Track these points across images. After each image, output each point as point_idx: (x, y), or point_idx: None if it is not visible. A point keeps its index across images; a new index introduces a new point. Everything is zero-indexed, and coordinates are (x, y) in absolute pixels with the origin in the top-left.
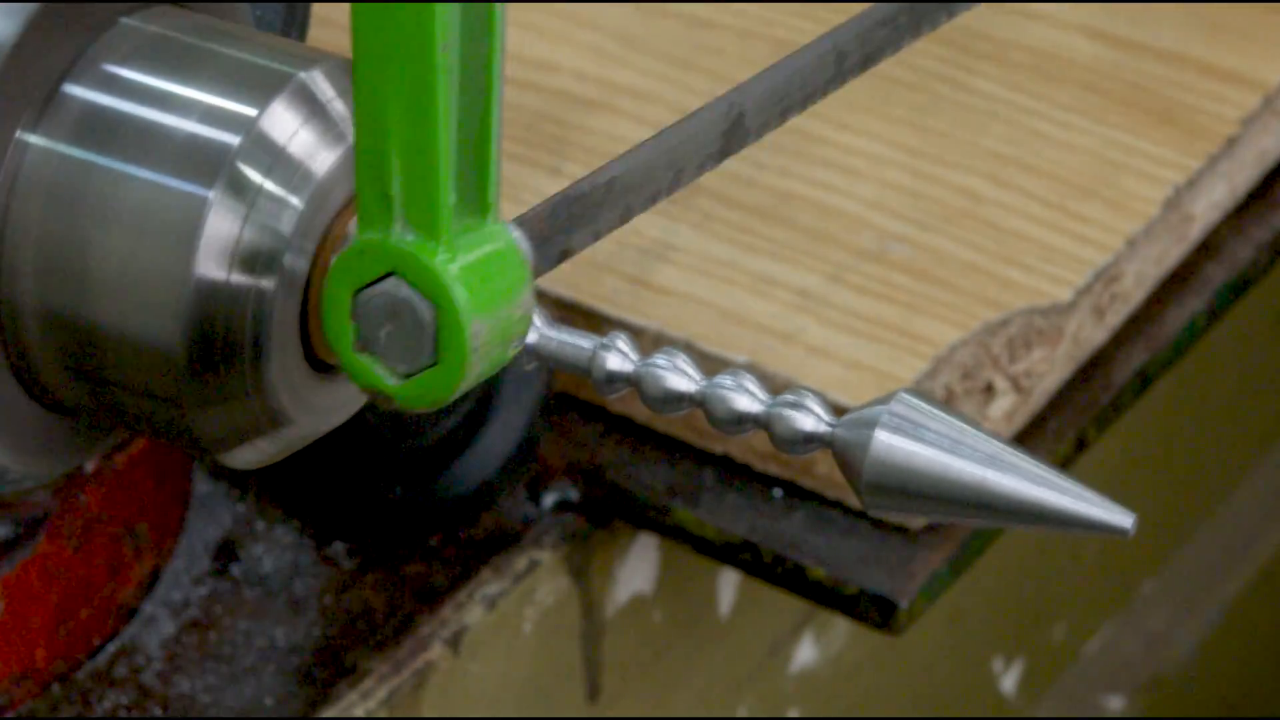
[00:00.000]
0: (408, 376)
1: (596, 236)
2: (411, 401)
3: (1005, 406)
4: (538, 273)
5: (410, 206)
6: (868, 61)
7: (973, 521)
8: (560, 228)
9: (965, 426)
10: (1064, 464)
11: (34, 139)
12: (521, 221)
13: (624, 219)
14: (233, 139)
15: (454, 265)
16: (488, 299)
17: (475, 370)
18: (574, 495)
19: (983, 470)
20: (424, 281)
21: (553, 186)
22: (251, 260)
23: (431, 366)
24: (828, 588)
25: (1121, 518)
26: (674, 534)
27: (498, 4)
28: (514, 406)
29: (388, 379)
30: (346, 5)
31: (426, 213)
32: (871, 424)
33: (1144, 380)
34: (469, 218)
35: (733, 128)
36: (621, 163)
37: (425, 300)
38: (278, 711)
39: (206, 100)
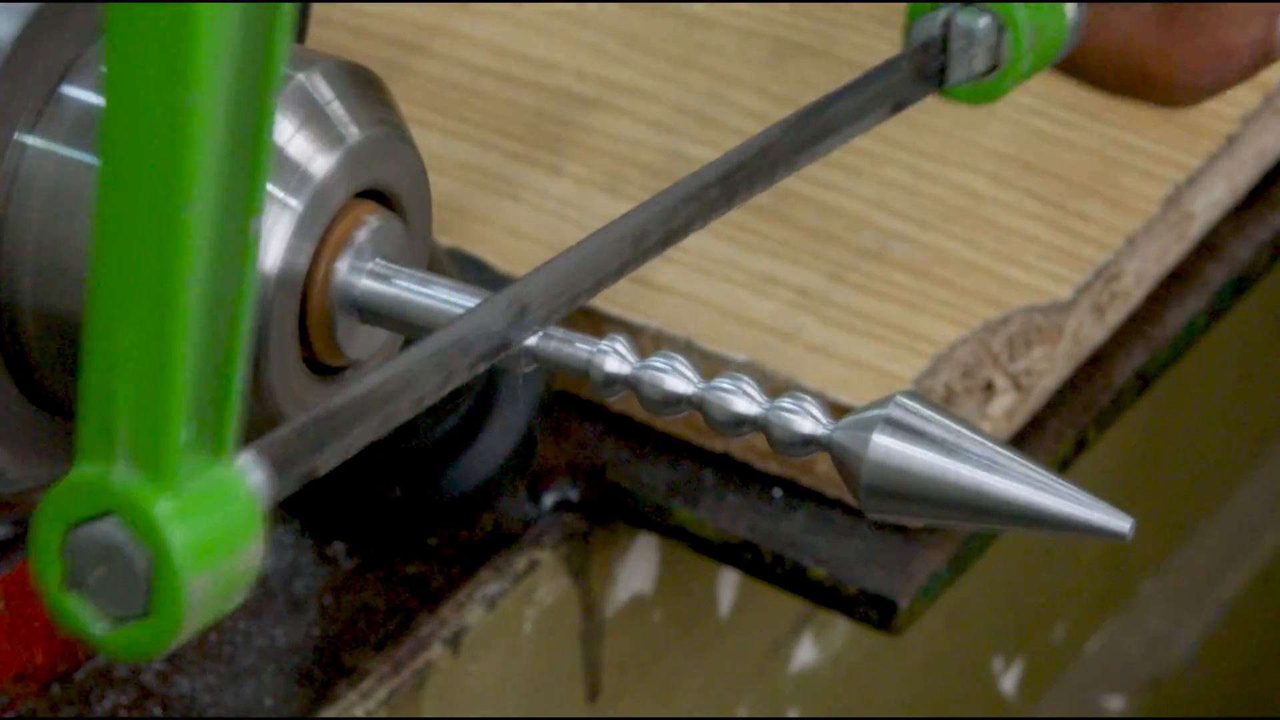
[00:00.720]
0: (118, 623)
1: (349, 452)
2: (118, 652)
3: (1005, 405)
4: (278, 498)
5: (135, 443)
6: (669, 239)
7: (971, 525)
8: (308, 448)
9: (963, 429)
10: (1064, 463)
11: (32, 140)
12: (264, 447)
13: (383, 429)
14: None
15: (177, 515)
16: (211, 552)
17: (192, 625)
18: (574, 495)
19: (981, 474)
20: (141, 528)
21: (553, 185)
22: None
23: (144, 617)
24: (827, 588)
25: (1119, 522)
26: (674, 534)
27: (251, 232)
28: (514, 406)
29: (94, 624)
30: (346, 5)
31: (152, 453)
32: (869, 427)
33: (1144, 380)
34: (201, 457)
35: (515, 322)
36: (382, 373)
37: (142, 547)
38: (278, 711)
39: None
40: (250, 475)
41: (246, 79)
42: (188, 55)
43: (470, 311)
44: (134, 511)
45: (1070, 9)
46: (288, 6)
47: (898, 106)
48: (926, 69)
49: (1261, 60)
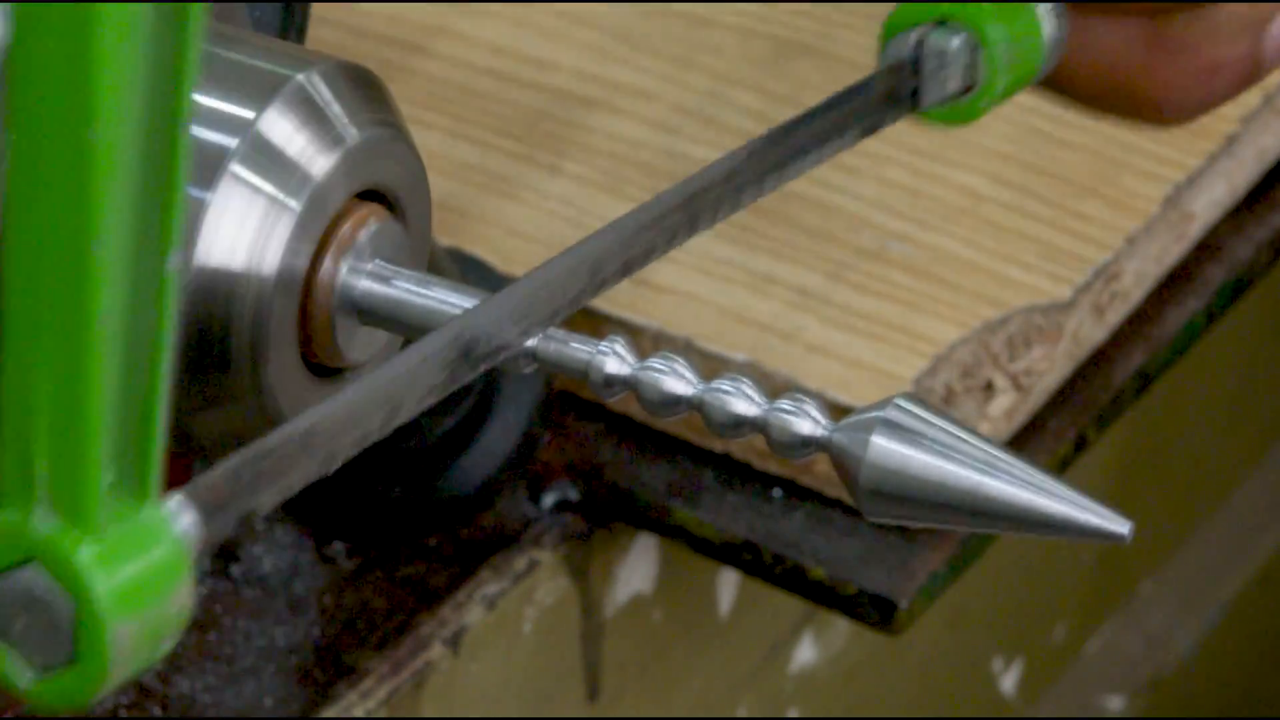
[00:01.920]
0: (44, 672)
1: (289, 492)
2: (46, 702)
3: (1005, 405)
4: (214, 541)
5: (56, 488)
6: (628, 268)
7: (970, 527)
8: (242, 490)
9: (962, 432)
10: (1063, 463)
11: None
12: (194, 490)
13: (326, 468)
14: (230, 141)
15: (99, 561)
16: (137, 598)
17: (120, 673)
18: (574, 495)
19: (979, 476)
20: (63, 575)
21: (552, 185)
22: (248, 263)
23: (69, 665)
24: (827, 588)
25: (1118, 525)
26: (674, 534)
27: (169, 267)
28: (514, 406)
29: (20, 675)
30: (346, 5)
31: (73, 497)
32: (868, 428)
33: (1144, 380)
34: (125, 500)
35: (461, 357)
36: (323, 409)
37: (65, 594)
38: (277, 711)
39: (203, 102)
40: (178, 518)
41: (157, 107)
42: (91, 86)
43: (412, 348)
44: (55, 558)
45: (1048, 28)
46: (196, 30)
47: (869, 130)
48: (899, 91)
49: (1249, 77)
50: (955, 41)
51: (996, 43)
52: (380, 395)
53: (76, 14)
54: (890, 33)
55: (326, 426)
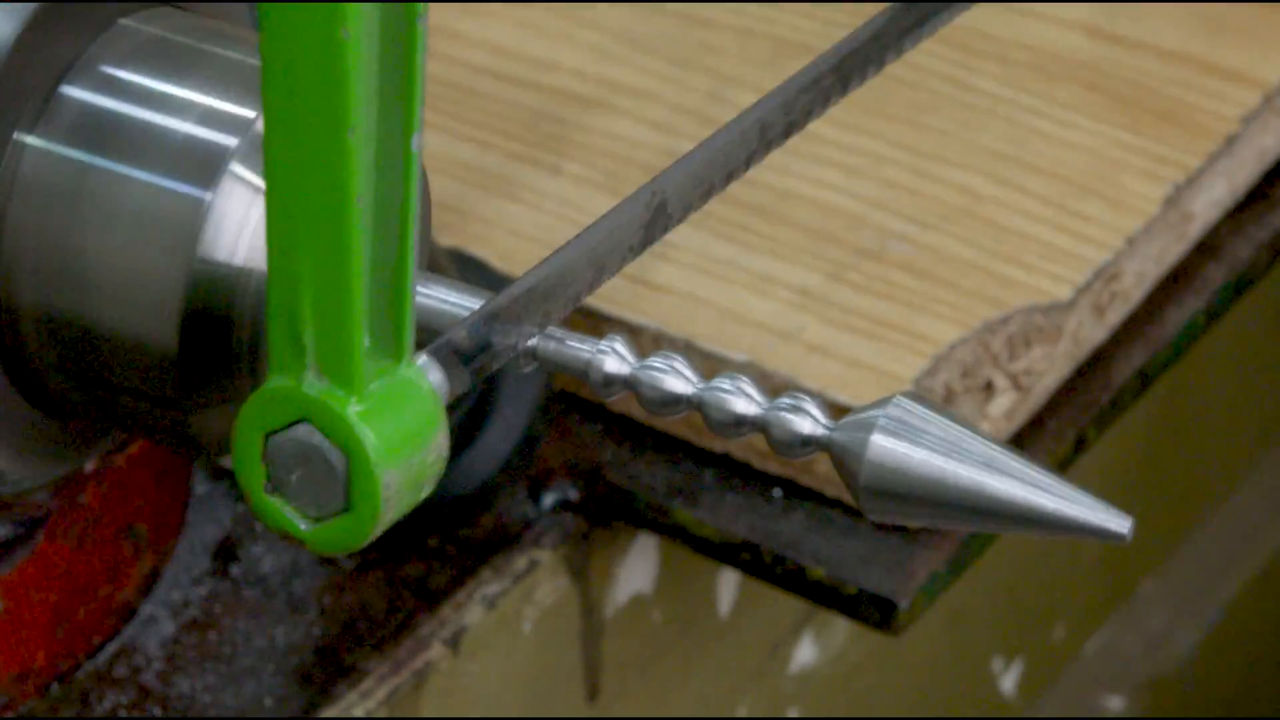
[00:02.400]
0: (318, 521)
1: (514, 350)
2: (322, 547)
3: (1005, 405)
4: (453, 396)
5: (323, 353)
6: (792, 129)
7: (970, 527)
8: (477, 346)
9: (962, 430)
10: (1063, 463)
11: (32, 140)
12: (437, 350)
13: (543, 325)
14: (230, 140)
15: (366, 416)
16: (400, 448)
17: (388, 517)
18: (574, 495)
19: (980, 474)
20: (336, 431)
21: (552, 185)
22: (249, 262)
23: (343, 513)
24: (827, 588)
25: (1119, 523)
26: (674, 534)
27: (413, 148)
28: (514, 406)
29: (299, 523)
30: None
31: (339, 361)
32: (868, 427)
33: (1144, 380)
34: (383, 362)
35: (655, 218)
36: (541, 270)
37: (337, 449)
38: (277, 711)
39: (204, 102)
40: (429, 375)
41: (395, 7)
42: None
43: (614, 210)
44: (327, 416)
45: None
46: None
47: None
48: None
49: None
50: None
51: None
52: (587, 255)
53: None
54: None
55: (545, 286)
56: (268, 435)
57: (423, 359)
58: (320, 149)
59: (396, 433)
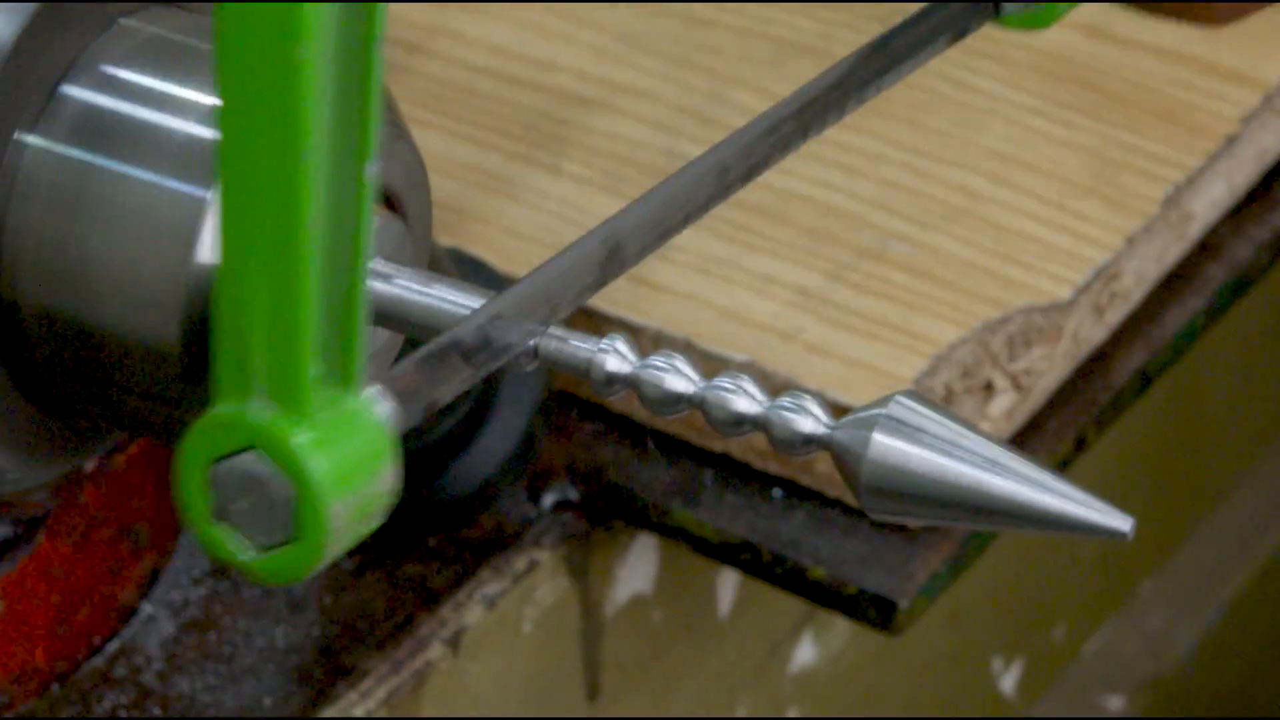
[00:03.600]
0: (264, 551)
1: (467, 383)
2: (267, 578)
3: (1005, 405)
4: (403, 429)
5: (271, 380)
6: (752, 173)
7: (971, 525)
8: (428, 380)
9: (963, 429)
10: (1063, 463)
11: (32, 139)
12: (390, 380)
13: (498, 361)
14: None
15: (315, 445)
16: (349, 479)
17: (336, 548)
18: (573, 495)
19: (980, 473)
20: (283, 460)
21: (552, 185)
22: None
23: (290, 543)
24: (827, 588)
25: (1120, 521)
26: (674, 534)
27: (366, 176)
28: (514, 406)
29: (244, 553)
30: None
31: (288, 388)
32: (869, 426)
33: (1144, 380)
34: (333, 390)
35: (609, 258)
36: (493, 307)
37: (284, 478)
38: (277, 711)
39: (205, 101)
40: (379, 405)
41: (352, 28)
42: (296, 11)
43: (567, 250)
44: (274, 444)
45: None
46: None
47: (956, 38)
48: None
49: None
50: None
51: None
52: (541, 293)
53: None
54: None
55: (497, 322)
56: (214, 462)
57: (374, 389)
58: (273, 173)
59: (346, 464)
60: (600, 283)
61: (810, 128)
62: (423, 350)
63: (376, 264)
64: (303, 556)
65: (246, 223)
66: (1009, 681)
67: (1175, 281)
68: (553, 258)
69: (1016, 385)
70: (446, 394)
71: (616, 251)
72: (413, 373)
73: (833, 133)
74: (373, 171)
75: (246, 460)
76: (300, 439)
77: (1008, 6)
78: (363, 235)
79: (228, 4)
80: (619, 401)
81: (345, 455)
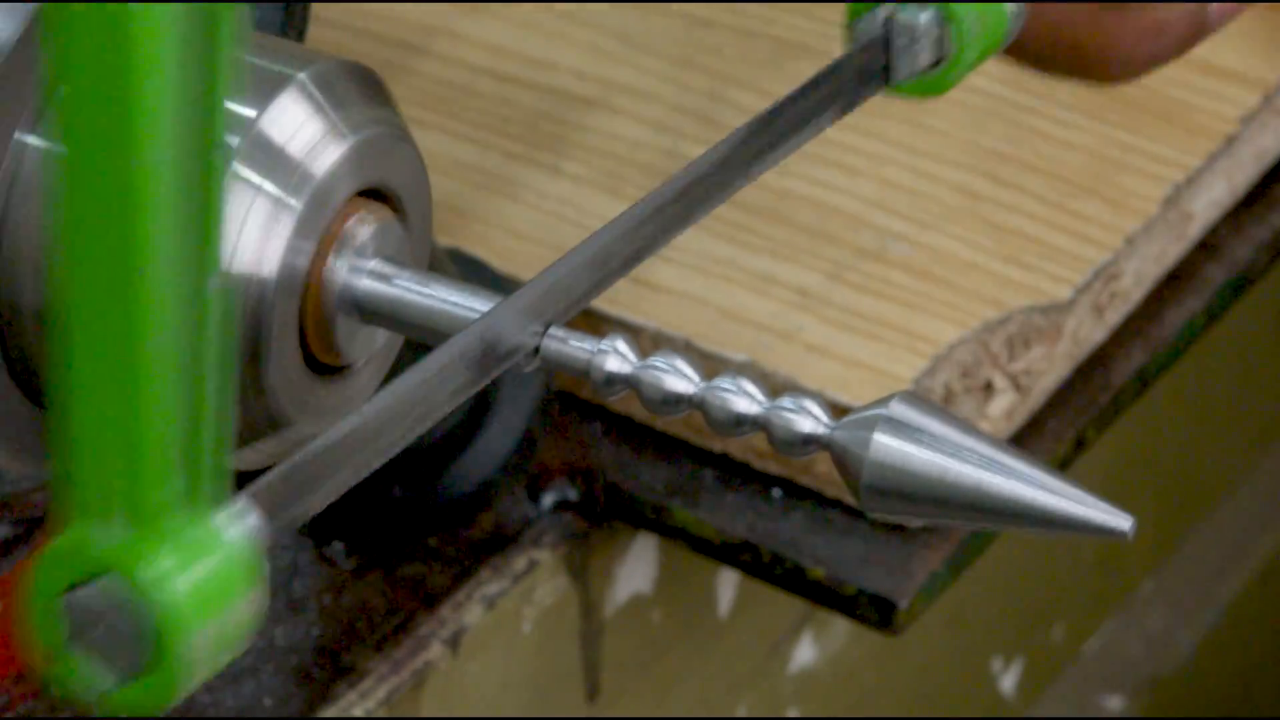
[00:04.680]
0: (121, 681)
1: (337, 493)
2: (123, 709)
3: (1004, 405)
4: (272, 544)
5: (124, 501)
6: (631, 263)
7: (971, 524)
8: (296, 493)
9: (963, 429)
10: (1063, 463)
11: (33, 140)
12: (254, 496)
13: (368, 468)
14: (231, 140)
15: (172, 569)
16: (210, 605)
17: (196, 677)
18: (573, 495)
19: (981, 473)
20: (138, 584)
21: (552, 185)
22: (249, 261)
23: (147, 673)
24: (827, 587)
25: (1120, 520)
26: (673, 534)
27: (208, 290)
28: (513, 406)
29: (97, 684)
30: (346, 5)
31: (141, 510)
32: (870, 426)
33: (1144, 380)
34: (191, 509)
35: (485, 356)
36: (362, 414)
37: (140, 605)
38: (277, 711)
39: None
40: (242, 523)
41: (192, 139)
42: (129, 121)
43: (437, 352)
44: (128, 568)
45: None
46: (226, 66)
47: (846, 109)
48: (870, 68)
49: (1196, 34)
50: (924, 16)
51: (964, 15)
52: (414, 397)
53: (113, 21)
54: (854, 14)
55: (367, 430)
56: (66, 589)
57: (236, 507)
58: (112, 289)
59: (205, 586)
60: (475, 381)
61: (694, 211)
62: (288, 463)
63: (376, 264)
64: (161, 685)
65: (86, 342)
66: (1009, 681)
67: (1175, 281)
68: (423, 360)
69: (1016, 385)
70: (319, 503)
71: (494, 347)
72: (281, 486)
73: (833, 133)
74: (215, 285)
75: (102, 586)
76: (155, 564)
77: (899, 75)
78: (211, 347)
79: (62, 113)
80: (619, 401)
81: (205, 579)
